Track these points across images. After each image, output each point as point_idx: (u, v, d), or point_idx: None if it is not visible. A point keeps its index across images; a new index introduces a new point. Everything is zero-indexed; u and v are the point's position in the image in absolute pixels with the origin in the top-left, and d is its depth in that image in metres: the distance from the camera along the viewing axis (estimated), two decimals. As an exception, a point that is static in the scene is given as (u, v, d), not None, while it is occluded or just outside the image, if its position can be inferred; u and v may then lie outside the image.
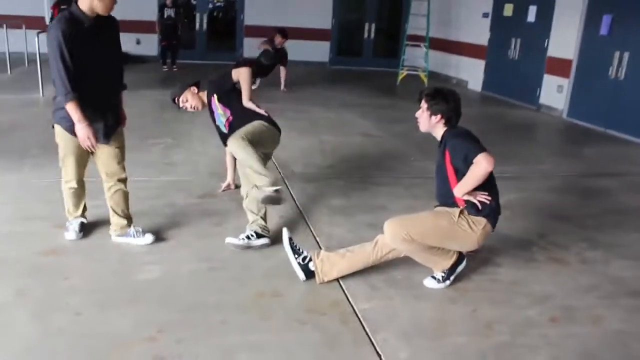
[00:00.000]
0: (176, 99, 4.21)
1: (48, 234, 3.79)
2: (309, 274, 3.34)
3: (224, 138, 4.12)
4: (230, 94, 4.08)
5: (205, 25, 13.85)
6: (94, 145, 3.40)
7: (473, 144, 3.20)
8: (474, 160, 3.11)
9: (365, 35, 14.61)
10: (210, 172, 5.17)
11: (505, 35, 10.75)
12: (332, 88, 11.05)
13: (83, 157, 3.60)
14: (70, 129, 3.40)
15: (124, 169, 3.70)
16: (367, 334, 2.87)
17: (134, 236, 3.73)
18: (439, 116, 3.31)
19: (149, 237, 3.73)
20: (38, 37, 8.66)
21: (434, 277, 3.43)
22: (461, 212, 3.26)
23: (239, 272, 3.45)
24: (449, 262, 3.38)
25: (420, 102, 3.39)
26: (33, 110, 7.57)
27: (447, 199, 3.35)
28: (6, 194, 4.46)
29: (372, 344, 2.79)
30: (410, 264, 3.58)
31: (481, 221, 3.26)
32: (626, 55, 8.08)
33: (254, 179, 3.71)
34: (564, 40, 9.21)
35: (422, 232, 3.22)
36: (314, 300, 3.16)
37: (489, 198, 3.25)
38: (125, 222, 3.74)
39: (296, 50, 13.69)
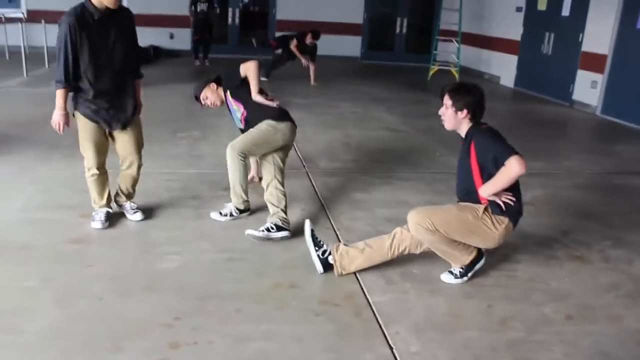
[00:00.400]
0: (198, 95, 4.28)
1: (75, 223, 3.93)
2: (327, 267, 3.38)
3: (242, 132, 4.19)
4: (241, 89, 4.12)
5: (237, 20, 13.97)
6: (61, 131, 3.68)
7: (503, 145, 3.16)
8: (506, 163, 3.06)
9: (397, 30, 14.56)
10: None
11: (539, 29, 10.57)
12: (362, 83, 11.05)
13: (102, 143, 3.78)
14: (85, 113, 3.64)
15: (140, 155, 3.91)
16: (380, 326, 2.90)
17: (127, 211, 4.03)
18: (464, 111, 3.26)
19: (138, 216, 4.00)
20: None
21: (451, 272, 3.43)
22: (485, 209, 3.25)
23: (257, 263, 3.51)
24: (468, 258, 3.38)
25: (442, 98, 3.34)
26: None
27: (469, 195, 3.33)
28: (37, 184, 4.62)
29: (385, 336, 2.82)
30: (429, 258, 3.60)
31: (504, 220, 3.25)
32: (663, 50, 7.90)
33: (232, 194, 3.95)
34: (599, 34, 9.02)
35: (446, 223, 3.20)
36: (330, 292, 3.21)
37: (513, 199, 3.24)
38: (124, 197, 4.05)
39: (327, 45, 13.69)
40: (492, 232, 3.24)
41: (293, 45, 9.94)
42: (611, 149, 7.00)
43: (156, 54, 12.58)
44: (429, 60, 12.38)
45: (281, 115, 4.09)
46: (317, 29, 10.07)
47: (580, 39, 9.49)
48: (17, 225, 3.85)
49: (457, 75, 11.84)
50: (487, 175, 3.20)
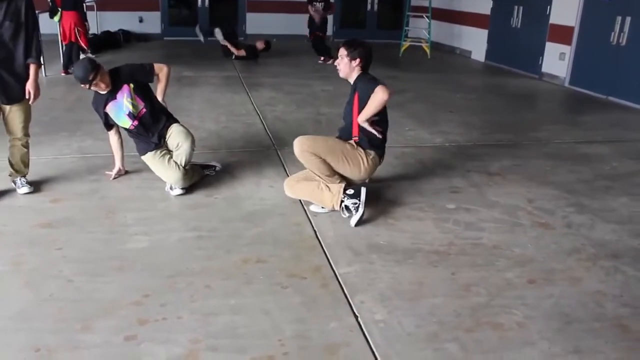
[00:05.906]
0: (89, 78, 4.00)
1: (45, 207, 3.93)
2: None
3: (113, 126, 4.32)
4: (148, 87, 4.23)
5: (207, 1, 13.81)
6: None
7: (376, 81, 3.80)
8: (374, 90, 3.71)
9: (369, 7, 14.51)
10: (204, 146, 5.26)
11: (508, 3, 10.65)
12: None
13: None
14: None
15: (24, 130, 4.09)
16: (345, 296, 2.97)
17: (18, 186, 4.16)
18: (357, 60, 3.86)
19: (25, 189, 4.12)
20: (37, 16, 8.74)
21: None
22: (357, 143, 3.91)
23: (226, 240, 3.55)
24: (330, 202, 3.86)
25: (339, 51, 3.93)
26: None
27: (349, 133, 3.97)
28: (4, 171, 4.58)
29: (350, 305, 2.88)
30: (396, 230, 3.69)
31: (370, 153, 3.92)
32: (628, 20, 7.99)
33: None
34: (566, 6, 9.12)
35: (327, 148, 3.82)
36: (297, 266, 3.26)
37: (381, 130, 3.89)
38: (13, 171, 4.17)
39: (299, 24, 13.63)
40: (360, 163, 3.88)
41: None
42: (578, 119, 7.13)
43: (126, 38, 12.43)
44: (400, 37, 12.39)
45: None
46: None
47: (547, 12, 9.58)
48: (-15, 213, 3.84)
49: (428, 51, 11.88)
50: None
